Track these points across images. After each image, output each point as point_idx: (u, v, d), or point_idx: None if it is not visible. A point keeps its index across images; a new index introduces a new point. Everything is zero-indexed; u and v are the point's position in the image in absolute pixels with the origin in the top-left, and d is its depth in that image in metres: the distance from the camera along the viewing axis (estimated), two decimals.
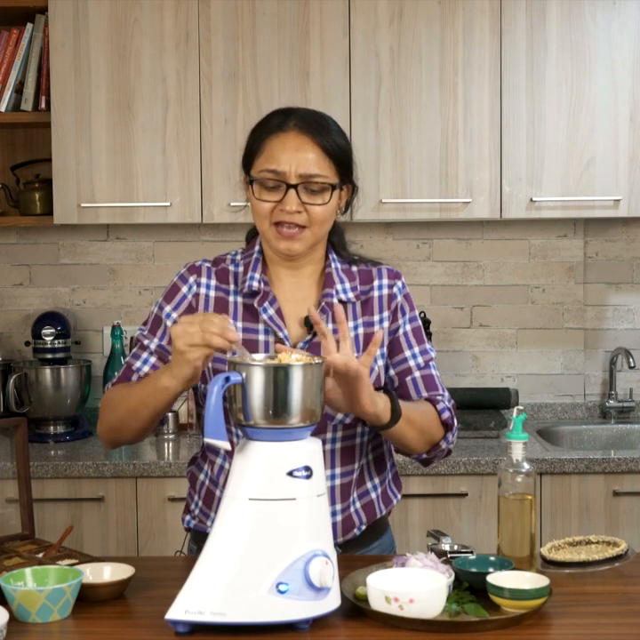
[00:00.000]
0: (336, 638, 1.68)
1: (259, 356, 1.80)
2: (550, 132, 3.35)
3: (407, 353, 2.08)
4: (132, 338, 3.65)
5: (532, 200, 3.35)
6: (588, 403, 3.79)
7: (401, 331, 2.09)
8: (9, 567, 1.90)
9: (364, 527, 2.08)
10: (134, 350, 2.08)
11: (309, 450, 1.71)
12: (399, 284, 2.12)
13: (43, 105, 3.41)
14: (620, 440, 3.64)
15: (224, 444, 1.69)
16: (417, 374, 2.07)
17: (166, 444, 3.39)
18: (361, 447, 2.07)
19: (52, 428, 3.49)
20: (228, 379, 1.70)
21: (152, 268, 3.75)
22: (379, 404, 1.88)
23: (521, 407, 2.02)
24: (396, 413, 1.91)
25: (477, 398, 3.60)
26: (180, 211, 3.36)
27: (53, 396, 3.48)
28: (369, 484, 2.09)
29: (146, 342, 2.06)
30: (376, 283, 2.10)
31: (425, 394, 2.07)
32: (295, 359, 1.75)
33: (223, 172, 3.34)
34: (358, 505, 2.07)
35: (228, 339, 1.75)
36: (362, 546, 2.10)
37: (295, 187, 1.96)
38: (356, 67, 3.33)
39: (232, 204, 3.33)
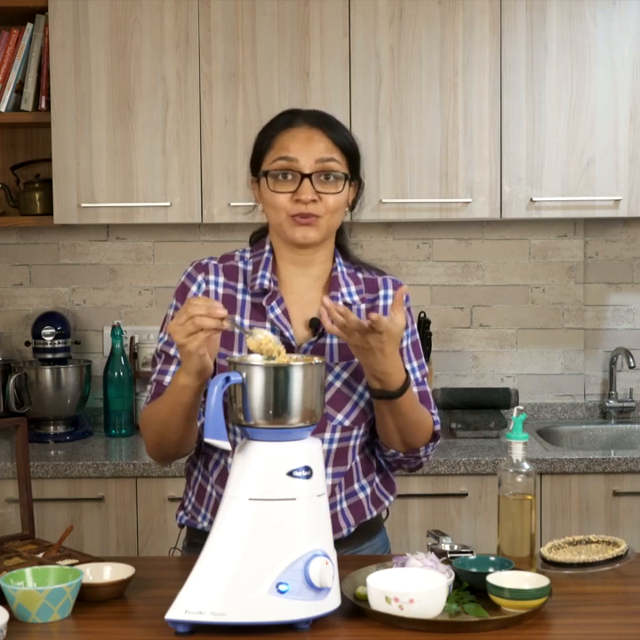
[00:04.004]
0: (336, 638, 1.68)
1: (258, 357, 1.80)
2: (550, 132, 3.35)
3: (408, 366, 2.09)
4: (131, 339, 3.66)
5: (532, 200, 3.35)
6: (587, 403, 3.79)
7: (404, 343, 2.11)
8: (9, 567, 1.90)
9: (352, 529, 2.09)
10: (160, 366, 2.05)
11: (309, 450, 1.72)
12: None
13: (43, 105, 3.41)
14: (620, 440, 3.64)
15: (224, 444, 1.69)
16: (415, 390, 2.10)
17: None
18: (353, 449, 2.08)
19: (52, 427, 3.49)
20: (228, 379, 1.70)
21: (152, 267, 3.75)
22: (397, 365, 1.93)
23: (521, 407, 2.02)
24: (402, 389, 1.95)
25: (477, 398, 3.60)
26: (180, 211, 3.36)
27: (53, 396, 3.48)
28: (356, 485, 2.09)
29: (172, 351, 2.03)
30: (382, 292, 2.12)
31: None
32: (295, 359, 1.76)
33: (223, 172, 3.34)
34: (345, 505, 2.07)
35: (217, 316, 1.76)
36: (351, 546, 2.10)
37: (309, 176, 1.97)
38: (355, 67, 3.33)
39: (232, 204, 3.33)
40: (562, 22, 3.33)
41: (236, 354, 2.00)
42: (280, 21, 3.32)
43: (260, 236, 2.16)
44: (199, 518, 2.09)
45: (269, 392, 1.69)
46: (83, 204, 3.34)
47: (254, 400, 1.70)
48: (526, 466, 1.95)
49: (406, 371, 1.98)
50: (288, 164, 1.98)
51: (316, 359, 1.76)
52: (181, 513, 2.15)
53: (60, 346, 3.53)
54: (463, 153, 3.35)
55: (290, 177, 1.99)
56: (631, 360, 3.63)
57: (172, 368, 2.03)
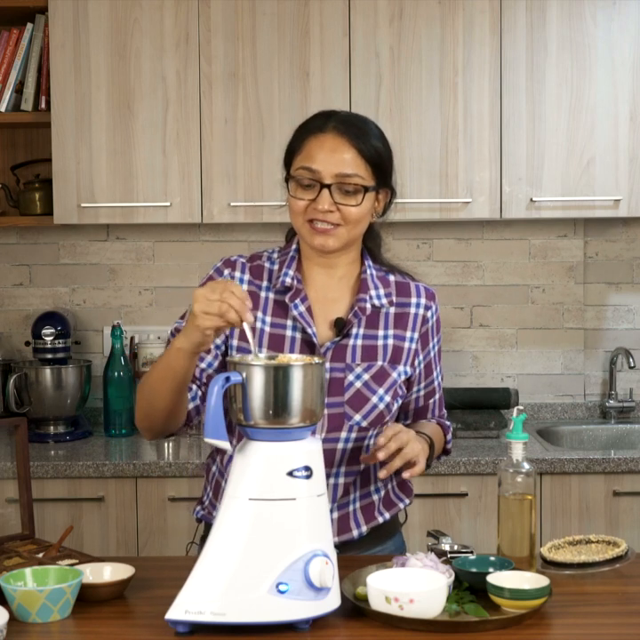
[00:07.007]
0: (336, 638, 1.68)
1: (258, 356, 1.80)
2: (550, 132, 3.35)
3: (434, 374, 2.18)
4: (131, 339, 3.66)
5: (532, 200, 3.35)
6: (587, 403, 3.79)
7: (432, 354, 2.17)
8: (9, 567, 1.90)
9: (364, 530, 2.09)
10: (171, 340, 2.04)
11: (309, 450, 1.72)
12: (433, 308, 2.17)
13: (43, 105, 3.41)
14: (620, 440, 3.64)
15: (224, 444, 1.69)
16: (437, 396, 2.20)
17: (166, 444, 3.38)
18: (367, 449, 2.08)
19: (52, 427, 3.48)
20: (228, 379, 1.70)
21: (152, 267, 3.75)
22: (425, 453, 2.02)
23: (521, 407, 2.02)
24: (429, 460, 2.05)
25: (477, 398, 3.60)
26: (180, 211, 3.36)
27: (53, 396, 3.48)
28: (372, 487, 2.11)
29: None
30: (414, 300, 2.14)
31: (437, 414, 2.23)
32: (295, 359, 1.76)
33: (223, 172, 3.34)
34: (358, 505, 2.08)
35: (244, 319, 1.77)
36: (362, 549, 2.10)
37: (329, 186, 1.99)
38: (355, 67, 3.33)
39: (232, 204, 3.33)
40: (562, 22, 3.33)
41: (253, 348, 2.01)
42: (280, 21, 3.32)
43: (294, 232, 2.17)
44: (215, 513, 2.09)
45: (269, 392, 1.70)
46: (83, 204, 3.34)
47: (254, 400, 1.70)
48: (526, 466, 1.95)
49: (429, 439, 2.07)
50: (310, 175, 2.00)
51: (316, 359, 1.76)
52: (199, 508, 2.17)
53: (60, 346, 3.53)
54: (463, 153, 3.35)
55: (311, 185, 2.00)
56: (631, 360, 3.63)
57: None
